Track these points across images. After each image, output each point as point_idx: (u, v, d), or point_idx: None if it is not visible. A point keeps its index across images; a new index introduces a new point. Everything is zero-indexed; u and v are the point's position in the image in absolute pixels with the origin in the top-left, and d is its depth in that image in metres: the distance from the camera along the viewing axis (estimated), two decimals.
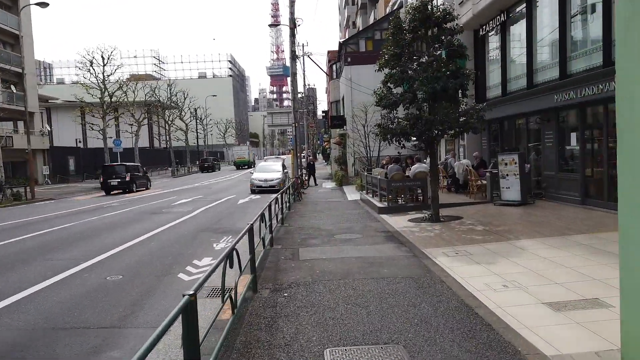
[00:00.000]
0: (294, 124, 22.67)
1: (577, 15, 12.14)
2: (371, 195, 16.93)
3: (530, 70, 14.30)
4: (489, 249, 7.90)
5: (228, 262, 4.35)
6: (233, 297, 4.43)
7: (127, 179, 26.59)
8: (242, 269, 5.09)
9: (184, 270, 7.90)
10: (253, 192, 23.66)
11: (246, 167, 57.77)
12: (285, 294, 5.94)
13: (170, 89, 52.29)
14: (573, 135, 12.51)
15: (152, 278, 7.45)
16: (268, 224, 9.08)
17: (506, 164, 13.23)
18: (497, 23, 16.18)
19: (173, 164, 49.76)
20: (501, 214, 11.80)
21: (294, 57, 22.47)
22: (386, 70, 11.71)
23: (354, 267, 7.28)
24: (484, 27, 17.21)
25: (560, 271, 6.25)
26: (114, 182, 26.45)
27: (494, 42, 17.24)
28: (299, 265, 7.52)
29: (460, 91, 11.56)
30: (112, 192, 26.61)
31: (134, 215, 15.73)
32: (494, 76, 17.47)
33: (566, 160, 13.12)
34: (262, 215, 7.51)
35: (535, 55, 14.19)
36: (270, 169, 25.58)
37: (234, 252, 4.59)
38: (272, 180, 23.80)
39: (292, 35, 22.28)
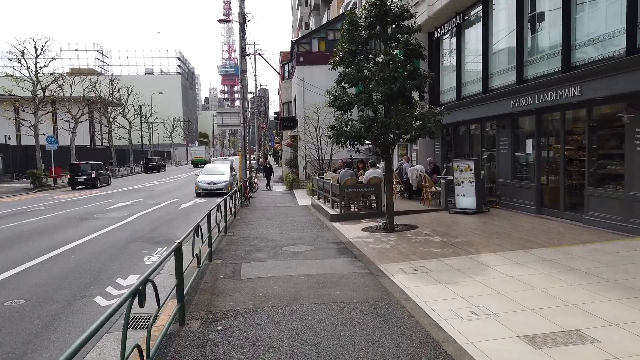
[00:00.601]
0: (242, 124, 21.51)
1: (534, 19, 11.86)
2: (323, 201, 16.13)
3: (486, 74, 13.99)
4: (450, 265, 7.24)
5: (138, 299, 3.34)
6: (145, 346, 3.42)
7: (93, 176, 29.20)
8: (162, 303, 4.07)
9: (103, 292, 6.73)
10: (198, 195, 22.31)
11: (202, 165, 56.67)
12: (220, 327, 4.95)
13: (112, 84, 49.41)
14: (529, 142, 12.23)
15: (62, 303, 6.24)
16: (207, 235, 8.03)
17: (461, 171, 12.79)
18: (453, 25, 15.83)
19: (115, 163, 46.99)
20: (457, 223, 11.29)
21: (243, 53, 21.33)
22: (340, 69, 10.93)
23: (303, 287, 6.38)
24: (439, 29, 16.85)
25: (531, 294, 5.63)
26: (80, 179, 28.88)
27: (449, 45, 16.91)
28: (240, 286, 6.54)
29: (417, 93, 10.99)
30: (77, 188, 28.78)
31: (59, 222, 14.09)
32: (448, 80, 17.15)
33: (521, 168, 12.85)
34: (198, 228, 6.48)
35: (491, 59, 13.89)
36: (217, 171, 24.28)
37: (147, 284, 3.57)
38: (219, 183, 22.55)
39: (242, 30, 21.15)
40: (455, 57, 16.09)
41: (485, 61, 14.00)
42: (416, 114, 10.68)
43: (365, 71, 10.54)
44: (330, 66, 11.27)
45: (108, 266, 8.38)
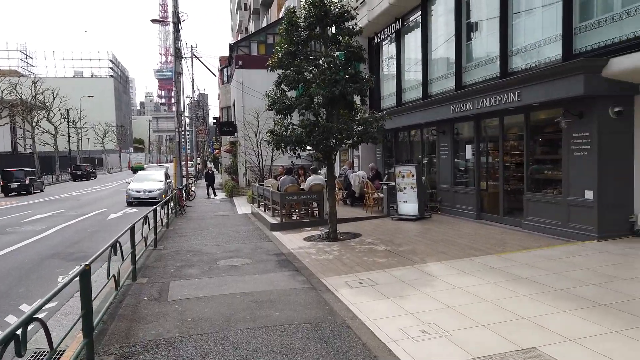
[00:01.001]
0: (177, 129, 20.38)
1: (472, 25, 11.93)
2: (263, 209, 15.46)
3: (426, 80, 13.98)
4: (396, 277, 6.86)
5: (14, 346, 2.59)
6: None
7: (27, 182, 29.62)
8: (57, 344, 3.30)
9: (1, 322, 5.73)
10: (130, 204, 20.90)
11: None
12: None
13: (35, 87, 45.93)
14: (469, 148, 12.26)
15: None
16: (129, 251, 7.17)
17: (403, 177, 12.62)
18: (392, 31, 15.78)
19: (38, 171, 43.55)
20: (400, 230, 11.05)
21: (178, 54, 20.25)
22: (279, 71, 10.40)
23: (238, 308, 5.74)
24: (379, 34, 16.77)
25: (482, 307, 5.33)
26: (14, 185, 29.31)
27: (389, 50, 16.86)
28: (166, 310, 5.78)
29: (359, 97, 10.66)
30: (10, 194, 29.09)
31: None
32: (388, 86, 17.09)
33: (461, 174, 12.88)
34: (116, 244, 5.67)
35: (431, 65, 13.90)
36: (150, 179, 22.93)
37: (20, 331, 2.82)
38: (153, 192, 21.26)
39: (177, 30, 20.09)
40: (395, 63, 16.03)
41: (424, 67, 14.00)
42: (358, 118, 10.33)
43: (305, 73, 10.06)
44: (270, 69, 10.71)
45: (14, 288, 7.31)
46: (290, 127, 10.24)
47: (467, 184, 12.53)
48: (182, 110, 24.08)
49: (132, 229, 7.27)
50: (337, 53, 10.36)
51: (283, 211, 12.75)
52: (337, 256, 8.62)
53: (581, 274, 6.39)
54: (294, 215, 13.44)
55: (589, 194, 8.34)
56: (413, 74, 15.06)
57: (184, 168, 30.12)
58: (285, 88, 10.42)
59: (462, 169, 12.82)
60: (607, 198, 8.20)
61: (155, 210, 10.76)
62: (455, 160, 12.89)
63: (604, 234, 8.21)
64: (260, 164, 22.05)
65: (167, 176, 24.19)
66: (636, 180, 8.32)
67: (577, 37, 8.61)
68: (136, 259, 7.49)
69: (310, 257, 8.72)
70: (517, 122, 10.52)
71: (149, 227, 9.82)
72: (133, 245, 7.27)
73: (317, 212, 13.38)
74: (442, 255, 8.06)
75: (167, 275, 7.62)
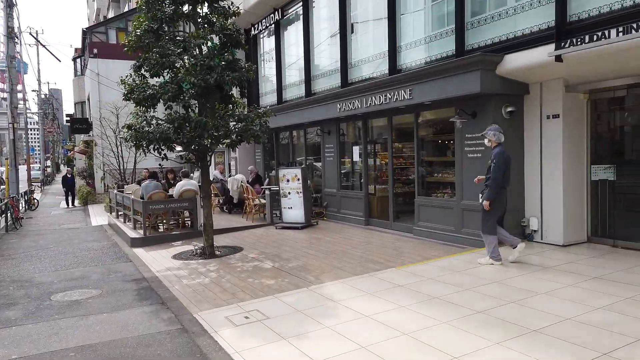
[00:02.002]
0: (11, 125, 16.72)
1: (358, 18, 11.21)
2: (123, 220, 13.12)
3: (309, 76, 13.01)
4: (290, 305, 5.58)
5: None
6: None
7: None
8: None
9: None
10: None
11: None
12: None
13: None
14: (356, 149, 11.51)
15: None
16: None
17: (288, 181, 11.45)
18: (271, 22, 14.57)
19: None
20: (287, 240, 9.83)
21: (10, 35, 16.64)
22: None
23: None
24: (256, 25, 15.44)
25: (403, 344, 4.29)
26: None
27: (268, 43, 15.61)
28: None
29: (239, 90, 9.22)
30: None
31: None
32: (268, 82, 15.85)
33: (349, 177, 12.12)
34: None
35: (315, 60, 12.97)
36: None
37: None
38: None
39: (9, 6, 16.50)
40: (275, 58, 14.84)
41: (307, 62, 13.01)
42: (238, 114, 8.87)
43: (173, 57, 8.31)
44: (127, 50, 8.75)
45: None
46: (154, 122, 8.41)
47: (354, 188, 11.79)
48: (17, 102, 20.12)
49: None
50: (212, 36, 8.79)
51: (147, 223, 10.72)
52: (215, 279, 7.07)
53: (494, 289, 5.76)
54: (161, 227, 11.46)
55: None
56: (295, 70, 14.00)
57: (27, 172, 25.62)
58: (147, 74, 8.57)
59: (350, 172, 12.07)
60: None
61: None
62: (342, 162, 12.08)
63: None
64: (121, 167, 19.23)
65: (0, 181, 20.00)
66: (527, 183, 8.16)
67: (469, 32, 8.22)
68: None
69: (180, 282, 7.04)
70: (408, 122, 9.99)
71: None
72: None
73: (189, 222, 11.58)
74: (339, 272, 6.99)
75: None
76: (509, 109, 7.85)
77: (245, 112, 8.96)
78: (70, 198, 22.53)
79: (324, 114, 11.74)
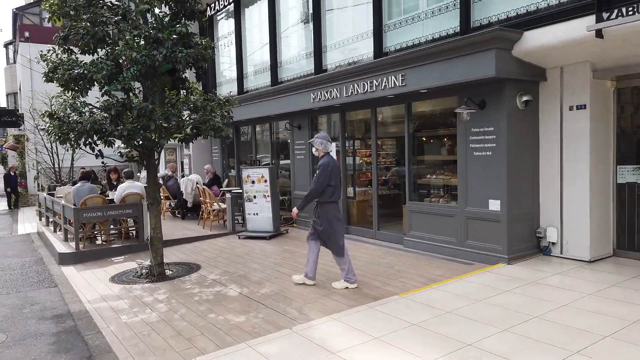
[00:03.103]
0: None
1: None
2: (53, 229, 11.03)
3: (276, 62, 11.39)
4: None
5: None
6: None
7: None
8: None
9: None
10: None
11: None
12: None
13: None
14: (333, 146, 9.98)
15: None
16: None
17: (253, 182, 9.81)
18: (230, 0, 12.81)
19: None
20: (255, 254, 8.21)
21: None
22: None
23: None
24: (212, 5, 13.62)
25: None
26: None
27: (226, 26, 13.82)
28: None
29: (195, 72, 7.50)
30: None
31: None
32: (226, 70, 14.07)
33: None
34: None
35: (282, 43, 11.36)
36: None
37: None
38: None
39: None
40: (235, 42, 13.09)
41: (274, 46, 11.38)
42: (194, 101, 7.15)
43: (109, 26, 6.49)
44: (49, 19, 6.87)
45: None
46: (85, 109, 6.57)
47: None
48: None
49: None
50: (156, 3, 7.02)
51: (80, 234, 8.79)
52: (166, 314, 5.38)
53: (539, 327, 4.42)
54: (100, 239, 9.53)
55: (494, 204, 6.66)
56: (259, 55, 12.32)
57: None
58: (76, 49, 6.72)
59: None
60: (514, 208, 6.62)
61: None
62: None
63: (514, 255, 6.62)
64: (56, 165, 16.87)
65: None
66: (542, 186, 6.93)
67: (476, 6, 6.88)
68: None
69: (118, 319, 5.30)
70: (397, 114, 8.60)
71: None
72: None
73: (134, 232, 9.71)
74: (328, 301, 5.47)
75: None
76: (525, 98, 6.58)
77: (203, 100, 7.26)
78: (12, 199, 19.59)
79: (294, 105, 10.17)
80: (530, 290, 5.47)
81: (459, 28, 6.99)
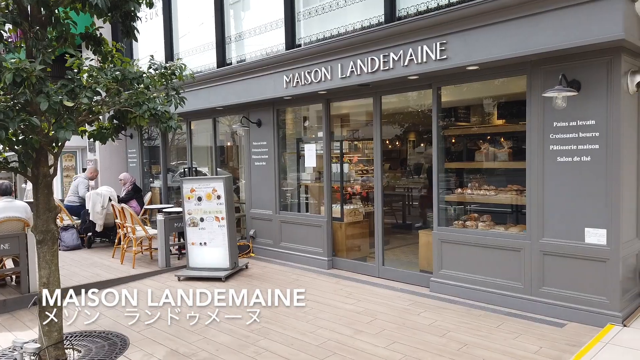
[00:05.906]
0: None
1: None
2: None
3: (222, 36, 8.54)
4: None
5: None
6: None
7: None
8: None
9: None
10: None
11: None
12: None
13: None
14: (310, 150, 7.39)
15: None
16: None
17: (200, 199, 6.90)
18: None
19: None
20: (214, 311, 5.31)
21: None
22: None
23: None
24: None
25: None
26: None
27: None
28: None
29: (121, 25, 4.54)
30: None
31: None
32: (149, 49, 10.83)
33: (295, 191, 7.95)
34: None
35: (236, 11, 8.56)
36: None
37: None
38: None
39: None
40: (163, 12, 10.00)
41: (220, 16, 8.53)
42: (116, 70, 4.16)
43: None
44: None
45: None
46: None
47: (306, 209, 7.68)
48: None
49: None
50: None
51: None
52: None
53: None
54: None
55: (595, 235, 4.48)
56: (199, 27, 9.34)
57: None
58: None
59: (298, 184, 7.92)
60: (618, 240, 4.51)
61: None
62: (284, 169, 7.85)
63: (625, 309, 4.51)
64: None
65: None
66: None
67: None
68: None
69: None
70: (416, 104, 6.25)
71: None
72: None
73: (12, 278, 6.34)
74: None
75: None
76: (638, 79, 4.51)
77: (135, 70, 4.35)
78: None
79: (255, 93, 7.46)
80: None
81: None
